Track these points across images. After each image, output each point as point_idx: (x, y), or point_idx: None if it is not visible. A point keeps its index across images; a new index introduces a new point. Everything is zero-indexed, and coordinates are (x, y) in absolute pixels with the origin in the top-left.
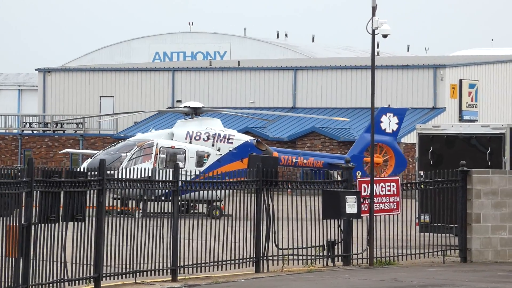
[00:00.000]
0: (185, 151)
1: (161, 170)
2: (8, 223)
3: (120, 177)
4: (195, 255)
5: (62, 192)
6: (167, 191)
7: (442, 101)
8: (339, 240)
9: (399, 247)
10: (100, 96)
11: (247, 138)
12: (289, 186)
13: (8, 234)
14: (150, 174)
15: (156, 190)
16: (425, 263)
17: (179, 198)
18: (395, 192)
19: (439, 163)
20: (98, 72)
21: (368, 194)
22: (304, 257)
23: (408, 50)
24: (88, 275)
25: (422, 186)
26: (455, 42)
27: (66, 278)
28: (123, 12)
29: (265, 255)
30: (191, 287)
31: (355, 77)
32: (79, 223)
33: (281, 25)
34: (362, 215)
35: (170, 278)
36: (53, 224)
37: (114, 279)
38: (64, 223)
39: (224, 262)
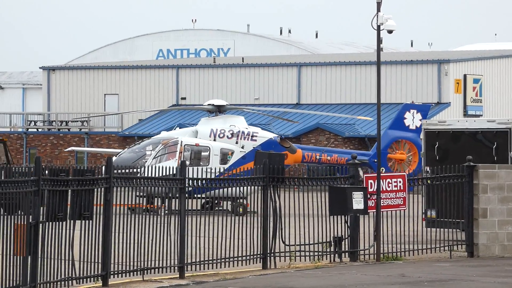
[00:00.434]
0: (209, 148)
1: (167, 167)
2: (16, 222)
3: (126, 175)
4: (202, 252)
5: (69, 190)
6: (191, 188)
7: (446, 96)
8: (346, 236)
9: (405, 243)
10: (105, 94)
11: (270, 135)
12: (296, 182)
13: (16, 232)
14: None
15: (170, 188)
16: (432, 258)
17: (203, 196)
18: (401, 188)
19: (445, 159)
20: (102, 70)
21: (374, 190)
22: (311, 253)
23: (411, 45)
24: (95, 273)
25: (428, 181)
26: (458, 37)
27: (74, 276)
28: (126, 10)
29: (272, 251)
30: (199, 284)
31: (359, 73)
32: (87, 221)
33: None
34: (369, 211)
35: (178, 275)
36: (60, 223)
37: (121, 276)
38: (72, 221)
39: (231, 259)
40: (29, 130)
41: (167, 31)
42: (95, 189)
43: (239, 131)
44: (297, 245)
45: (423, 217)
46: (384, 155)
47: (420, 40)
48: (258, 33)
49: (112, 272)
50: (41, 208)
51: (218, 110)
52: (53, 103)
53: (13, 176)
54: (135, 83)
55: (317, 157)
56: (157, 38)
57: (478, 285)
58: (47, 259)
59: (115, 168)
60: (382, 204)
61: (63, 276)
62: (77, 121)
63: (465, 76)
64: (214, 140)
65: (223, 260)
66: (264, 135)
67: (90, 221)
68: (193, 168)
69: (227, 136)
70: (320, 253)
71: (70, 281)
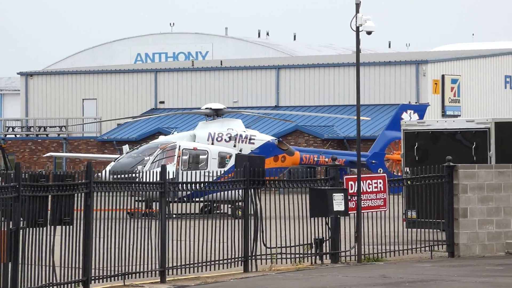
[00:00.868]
0: (207, 152)
1: (149, 172)
2: None
3: (107, 180)
4: (183, 256)
5: (50, 195)
6: (189, 192)
7: (425, 96)
8: (327, 238)
9: (387, 244)
10: (83, 99)
11: (268, 138)
12: (277, 185)
13: None
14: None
15: (146, 192)
16: (413, 258)
17: (201, 199)
18: (382, 189)
19: (425, 159)
20: (80, 74)
21: (355, 191)
22: (293, 256)
23: (389, 46)
24: (76, 278)
25: (408, 182)
26: (436, 38)
27: (54, 282)
28: (104, 14)
29: (254, 254)
30: None
31: (338, 74)
32: (67, 226)
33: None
34: (349, 212)
35: (159, 280)
36: (41, 228)
37: (103, 281)
38: (52, 226)
39: (212, 262)
40: (7, 136)
41: (145, 35)
42: (76, 194)
43: (236, 135)
44: (279, 247)
45: (404, 217)
46: (381, 156)
47: (398, 41)
48: (236, 36)
49: (93, 277)
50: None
51: (216, 113)
52: (31, 109)
53: None
54: (113, 87)
55: (315, 159)
56: (135, 42)
57: (460, 285)
58: (27, 265)
59: (112, 173)
60: (362, 206)
61: (44, 282)
62: (55, 127)
63: (443, 76)
64: (212, 143)
65: (204, 263)
66: (262, 138)
67: (71, 226)
68: (186, 172)
69: (225, 140)
70: (301, 255)
71: (51, 287)
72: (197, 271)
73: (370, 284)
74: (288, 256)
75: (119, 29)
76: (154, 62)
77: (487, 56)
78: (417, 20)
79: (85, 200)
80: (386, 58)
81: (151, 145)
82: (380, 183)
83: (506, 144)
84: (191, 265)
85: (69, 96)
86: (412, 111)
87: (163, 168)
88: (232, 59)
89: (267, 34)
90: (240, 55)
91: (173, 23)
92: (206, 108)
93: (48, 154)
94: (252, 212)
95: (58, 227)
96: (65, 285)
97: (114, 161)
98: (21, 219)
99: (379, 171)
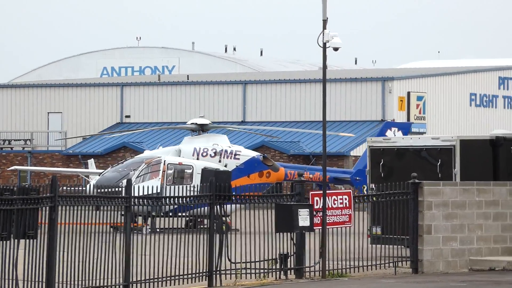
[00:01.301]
0: (192, 167)
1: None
2: None
3: (72, 194)
4: (148, 271)
5: (14, 209)
6: (175, 207)
7: (390, 113)
8: (292, 253)
9: (351, 259)
10: (48, 112)
11: (253, 154)
12: (242, 200)
13: None
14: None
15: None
16: (377, 274)
17: (185, 214)
18: (347, 205)
19: (390, 176)
20: (45, 88)
21: (320, 207)
22: (257, 271)
23: (356, 63)
24: None
25: (374, 198)
26: (402, 55)
27: None
28: (71, 27)
29: (218, 269)
30: None
31: (304, 90)
32: (31, 240)
33: (229, 39)
34: (314, 227)
35: None
36: (4, 242)
37: None
38: (16, 240)
39: (177, 277)
40: None
41: (111, 49)
42: (40, 208)
43: (222, 150)
44: (243, 262)
45: (368, 233)
46: (365, 173)
47: (364, 58)
48: (203, 51)
49: None
50: None
51: (201, 129)
52: None
53: None
54: (79, 101)
55: None
56: (102, 55)
57: None
58: None
59: (97, 187)
60: (328, 221)
61: None
62: (20, 140)
63: (408, 93)
64: (197, 159)
65: (169, 278)
66: (247, 154)
67: (35, 240)
68: (170, 187)
69: (210, 155)
70: (266, 271)
71: None
72: (162, 286)
73: None
74: (253, 271)
75: (86, 43)
76: (120, 76)
77: (453, 73)
78: (384, 37)
79: (49, 214)
80: (353, 75)
81: (136, 160)
82: (345, 199)
83: (471, 161)
84: (156, 280)
85: (34, 109)
86: (396, 129)
87: (129, 182)
88: (199, 73)
89: (234, 49)
90: (207, 70)
91: (140, 37)
92: (191, 123)
93: (12, 168)
94: (216, 227)
95: (22, 241)
96: None
97: (100, 175)
98: None
99: (363, 188)
